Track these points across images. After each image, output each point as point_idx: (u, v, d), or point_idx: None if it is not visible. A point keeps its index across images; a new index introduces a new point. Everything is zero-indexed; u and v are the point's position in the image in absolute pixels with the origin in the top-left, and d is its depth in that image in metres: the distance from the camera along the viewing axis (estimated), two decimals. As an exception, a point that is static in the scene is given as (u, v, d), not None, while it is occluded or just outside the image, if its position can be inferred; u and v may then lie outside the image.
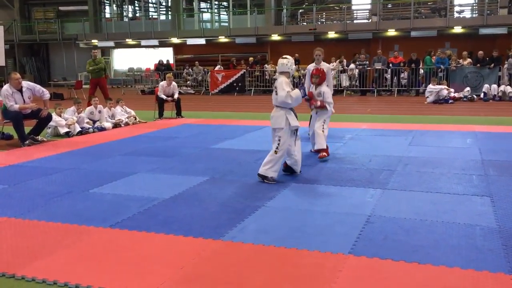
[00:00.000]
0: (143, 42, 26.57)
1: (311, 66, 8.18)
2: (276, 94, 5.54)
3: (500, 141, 7.78)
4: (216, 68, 21.22)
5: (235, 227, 3.99)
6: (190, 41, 25.10)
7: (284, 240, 3.68)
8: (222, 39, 24.26)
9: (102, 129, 10.01)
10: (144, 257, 3.40)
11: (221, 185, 5.42)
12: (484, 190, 4.97)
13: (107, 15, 29.82)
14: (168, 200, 4.81)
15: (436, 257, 3.34)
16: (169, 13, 28.60)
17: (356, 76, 18.77)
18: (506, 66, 16.34)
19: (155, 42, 26.13)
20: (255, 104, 16.14)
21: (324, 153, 6.71)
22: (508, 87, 15.65)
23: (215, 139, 8.55)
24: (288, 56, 5.69)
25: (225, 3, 28.69)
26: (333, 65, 19.35)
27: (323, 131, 6.84)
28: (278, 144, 5.48)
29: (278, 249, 3.52)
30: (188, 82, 22.22)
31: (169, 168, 6.31)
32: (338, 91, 18.97)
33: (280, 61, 5.63)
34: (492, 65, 16.30)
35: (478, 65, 16.52)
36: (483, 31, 19.70)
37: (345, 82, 18.84)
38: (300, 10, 25.40)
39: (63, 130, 9.33)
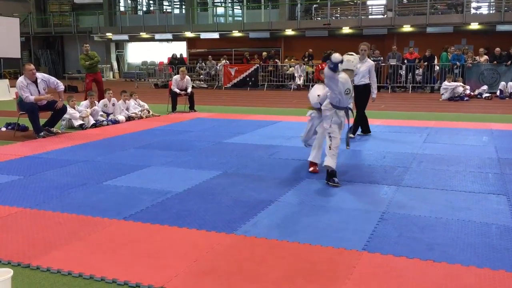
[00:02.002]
0: (157, 36, 26.64)
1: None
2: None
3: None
4: (223, 63, 21.19)
5: (248, 221, 3.98)
6: (204, 35, 25.11)
7: (298, 235, 3.66)
8: (236, 33, 24.22)
9: (116, 122, 10.07)
10: (157, 250, 3.42)
11: (234, 179, 5.41)
12: (500, 189, 4.90)
13: (122, 9, 29.94)
14: (182, 194, 4.82)
15: (452, 255, 3.30)
16: (183, 7, 28.63)
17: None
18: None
19: (169, 35, 26.19)
20: (268, 99, 16.11)
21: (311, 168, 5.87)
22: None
23: (228, 134, 8.55)
24: (353, 53, 5.40)
25: (239, -2, 28.68)
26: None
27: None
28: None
29: (292, 244, 3.51)
30: (201, 76, 22.24)
31: (183, 162, 6.33)
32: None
33: (346, 57, 5.22)
34: (509, 62, 16.07)
35: (495, 62, 16.30)
36: (500, 27, 19.41)
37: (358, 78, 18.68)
38: (315, 5, 25.24)
39: (77, 123, 9.39)
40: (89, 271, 3.07)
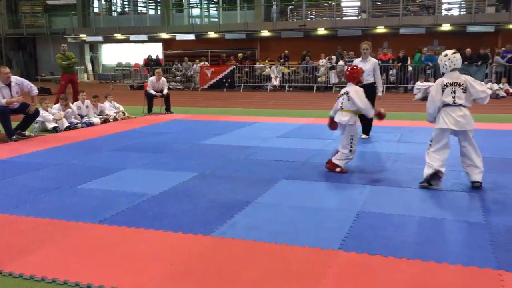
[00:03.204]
0: (132, 37, 26.36)
1: (357, 61, 8.12)
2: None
3: (488, 138, 7.84)
4: (200, 64, 21.15)
5: (225, 223, 3.98)
6: (180, 37, 24.97)
7: (275, 236, 3.68)
8: (212, 34, 24.16)
9: (90, 124, 9.93)
10: (133, 253, 3.39)
11: (211, 181, 5.40)
12: (472, 187, 5.00)
13: (96, 10, 29.52)
14: (158, 196, 4.78)
15: (425, 252, 3.36)
16: (158, 8, 28.40)
17: (345, 72, 18.81)
18: (493, 63, 16.49)
19: (144, 37, 25.95)
20: (244, 100, 16.11)
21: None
22: (495, 84, 15.80)
23: (205, 135, 8.52)
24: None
25: (214, -1, 28.60)
26: (322, 62, 19.41)
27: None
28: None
29: (269, 245, 3.53)
30: (177, 77, 22.12)
31: (159, 164, 6.29)
32: (327, 87, 19.03)
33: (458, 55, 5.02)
34: (480, 62, 16.45)
35: (466, 62, 16.63)
36: (471, 28, 19.84)
37: (334, 79, 18.88)
38: (290, 6, 25.37)
39: (50, 125, 9.23)
40: (63, 276, 3.02)
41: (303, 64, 19.72)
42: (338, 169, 5.69)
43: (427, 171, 4.94)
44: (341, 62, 18.95)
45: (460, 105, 4.83)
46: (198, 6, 28.42)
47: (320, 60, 19.63)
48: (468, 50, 16.86)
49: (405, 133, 8.56)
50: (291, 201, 4.61)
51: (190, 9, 27.56)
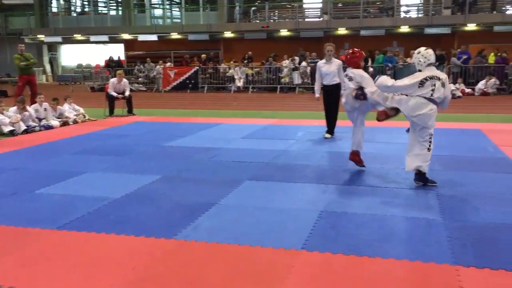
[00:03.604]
0: (92, 38, 25.82)
1: (321, 63, 8.26)
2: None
3: (446, 136, 8.08)
4: (165, 65, 20.95)
5: (189, 225, 3.95)
6: (142, 37, 24.63)
7: (238, 238, 3.68)
8: (175, 35, 23.94)
9: (49, 127, 9.66)
10: (93, 259, 3.31)
11: (175, 183, 5.35)
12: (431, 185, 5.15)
13: (54, 10, 28.74)
14: (120, 200, 4.70)
15: (386, 250, 3.43)
16: (120, 8, 27.92)
17: (308, 73, 19.01)
18: (450, 64, 17.03)
19: (105, 37, 25.44)
20: (208, 102, 16.05)
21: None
22: (452, 84, 16.29)
23: (168, 137, 8.43)
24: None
25: (177, -1, 28.36)
26: (285, 63, 19.54)
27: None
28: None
29: (232, 247, 3.52)
30: (140, 79, 21.81)
31: (121, 167, 6.18)
32: (290, 88, 19.18)
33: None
34: (437, 63, 16.93)
35: (424, 63, 17.10)
36: (428, 30, 20.41)
37: (297, 80, 19.04)
38: (253, 8, 25.44)
39: (7, 129, 8.93)
40: (20, 285, 2.93)
41: (267, 65, 19.81)
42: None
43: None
44: (303, 63, 19.13)
45: (434, 100, 4.88)
46: (160, 7, 28.11)
47: (283, 61, 19.76)
48: (426, 51, 17.31)
49: (367, 132, 8.67)
50: (255, 202, 4.62)
51: (152, 10, 27.23)
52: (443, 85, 4.89)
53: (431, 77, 4.86)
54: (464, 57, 17.26)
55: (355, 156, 5.90)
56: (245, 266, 3.22)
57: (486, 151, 6.91)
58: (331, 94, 8.13)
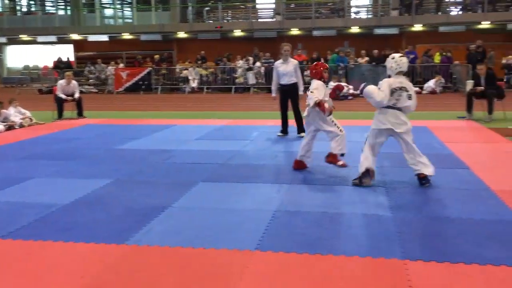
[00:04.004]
0: (40, 38, 24.94)
1: (278, 63, 8.26)
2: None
3: (394, 134, 8.33)
4: (117, 66, 20.54)
5: (141, 230, 3.88)
6: (92, 38, 24.01)
7: (191, 241, 3.64)
8: (126, 36, 23.49)
9: (-7, 132, 9.25)
10: (39, 268, 3.20)
11: (127, 187, 5.25)
12: (380, 181, 5.27)
13: (-2, 9, 27.58)
14: (69, 206, 4.56)
15: (337, 247, 3.50)
16: (68, 8, 27.09)
17: (262, 73, 19.11)
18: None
19: (53, 38, 24.63)
20: (162, 103, 15.84)
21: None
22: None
23: (121, 140, 8.25)
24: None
25: (128, -1, 27.82)
26: (239, 63, 19.57)
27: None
28: None
29: (185, 250, 3.49)
30: (91, 80, 21.26)
31: (70, 172, 5.99)
32: (245, 88, 19.22)
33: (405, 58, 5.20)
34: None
35: (374, 63, 17.58)
36: (377, 31, 20.98)
37: (251, 80, 19.11)
38: (206, 8, 25.32)
39: None
40: (-40, 299, 2.78)
41: (221, 65, 19.77)
42: (340, 163, 5.65)
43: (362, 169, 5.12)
44: (257, 64, 19.22)
45: (399, 109, 5.00)
46: (111, 7, 27.50)
47: (237, 62, 19.78)
48: (375, 51, 17.80)
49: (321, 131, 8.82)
50: (209, 204, 4.60)
51: (102, 9, 26.60)
52: (409, 97, 5.00)
53: (400, 88, 4.98)
54: (411, 56, 17.84)
55: (298, 165, 5.93)
56: (199, 268, 3.19)
57: (432, 147, 7.15)
58: (289, 93, 8.20)
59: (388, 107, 5.03)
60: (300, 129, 8.28)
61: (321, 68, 5.84)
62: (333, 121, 5.68)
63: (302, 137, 8.09)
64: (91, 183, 5.36)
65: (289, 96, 8.20)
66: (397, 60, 5.09)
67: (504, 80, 16.52)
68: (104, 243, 3.60)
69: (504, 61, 17.89)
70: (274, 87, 8.44)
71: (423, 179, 5.07)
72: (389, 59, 5.20)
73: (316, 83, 5.69)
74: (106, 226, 4.00)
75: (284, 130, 8.46)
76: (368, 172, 5.10)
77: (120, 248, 3.52)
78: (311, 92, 5.62)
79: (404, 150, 5.15)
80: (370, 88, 5.06)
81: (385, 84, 5.02)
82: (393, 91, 4.98)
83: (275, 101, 8.51)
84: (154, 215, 4.24)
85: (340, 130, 5.66)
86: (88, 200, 4.74)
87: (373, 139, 5.16)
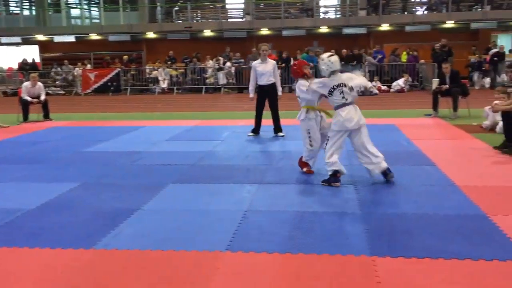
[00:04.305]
0: (3, 39, 24.22)
1: (257, 63, 8.22)
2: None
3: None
4: (85, 67, 20.16)
5: (109, 233, 3.82)
6: (58, 38, 23.48)
7: (162, 243, 3.61)
8: (94, 36, 23.07)
9: (-45, 136, 8.95)
10: (4, 276, 3.11)
11: (95, 190, 5.16)
12: (349, 179, 5.33)
13: (-42, 9, 26.68)
14: (35, 210, 4.45)
15: (307, 246, 3.52)
16: (33, 8, 26.42)
17: (233, 73, 19.09)
18: (366, 63, 17.82)
19: (17, 39, 23.97)
20: (131, 104, 15.62)
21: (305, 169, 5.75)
22: (369, 82, 17.05)
23: (89, 142, 8.10)
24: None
25: (95, -1, 27.35)
26: (209, 63, 19.49)
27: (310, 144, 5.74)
28: None
29: (155, 253, 3.45)
30: (58, 82, 20.80)
31: (36, 175, 5.85)
32: (215, 89, 19.16)
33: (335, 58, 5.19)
34: (355, 62, 17.68)
35: (343, 62, 17.76)
36: (346, 30, 21.23)
37: (222, 80, 19.06)
38: (175, 8, 25.12)
39: None
40: None
41: (191, 66, 19.65)
42: (304, 169, 5.65)
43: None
44: (228, 64, 19.18)
45: (351, 103, 5.08)
46: (78, 6, 26.97)
47: (207, 62, 19.69)
48: (344, 50, 18.02)
49: (290, 131, 8.87)
50: (178, 206, 4.56)
51: (68, 10, 26.06)
52: (351, 89, 5.09)
53: (339, 85, 5.05)
54: (379, 56, 18.16)
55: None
56: (168, 271, 3.16)
57: (400, 145, 7.30)
58: (268, 93, 8.19)
59: (344, 104, 5.08)
60: (278, 129, 8.34)
61: (300, 65, 5.76)
62: (309, 133, 5.60)
63: (282, 136, 8.17)
64: (58, 187, 5.25)
65: (268, 96, 8.19)
66: (326, 62, 5.14)
67: (475, 78, 17.02)
68: (71, 248, 3.53)
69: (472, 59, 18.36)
70: (252, 87, 8.35)
71: (388, 172, 5.13)
72: (319, 61, 5.26)
73: (303, 83, 5.59)
74: (74, 230, 3.92)
75: (256, 130, 8.45)
76: (337, 174, 5.11)
77: (88, 252, 3.46)
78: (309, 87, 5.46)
79: (361, 143, 5.15)
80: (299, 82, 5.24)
81: (318, 83, 5.14)
82: (333, 89, 5.03)
83: (252, 102, 8.41)
84: (123, 218, 4.18)
85: (311, 144, 5.62)
86: (55, 204, 4.63)
87: (339, 139, 5.17)
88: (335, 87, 5.08)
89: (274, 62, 8.34)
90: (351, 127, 5.09)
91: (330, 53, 5.30)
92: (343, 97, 5.09)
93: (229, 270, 3.18)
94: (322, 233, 3.79)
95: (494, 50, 17.52)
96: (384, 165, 5.13)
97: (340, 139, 5.18)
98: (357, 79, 5.28)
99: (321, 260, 3.28)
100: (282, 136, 8.25)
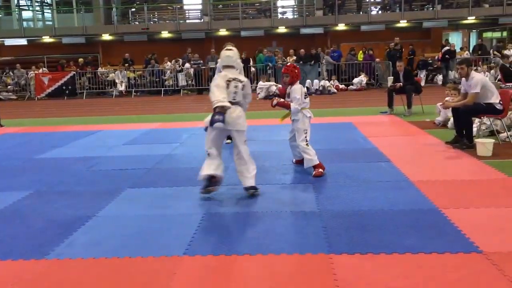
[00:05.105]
0: (-50, 43, 23.20)
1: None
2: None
3: (321, 131, 8.54)
4: (39, 71, 19.55)
5: (63, 242, 3.70)
6: (9, 42, 22.67)
7: (117, 250, 3.53)
8: (47, 39, 22.40)
9: None
10: (-51, 292, 2.96)
11: (48, 198, 5.00)
12: (307, 178, 5.39)
13: None
14: (-17, 222, 4.27)
15: (266, 246, 3.52)
16: (-18, 10, 25.42)
17: (192, 75, 18.96)
18: (324, 62, 18.08)
19: (-36, 42, 23.02)
20: (87, 108, 15.25)
21: (320, 170, 5.53)
22: (327, 81, 17.32)
23: (42, 148, 7.84)
24: (233, 48, 4.95)
25: (48, 0, 26.53)
26: (168, 65, 19.27)
27: (307, 144, 5.58)
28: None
29: (110, 260, 3.37)
30: (9, 86, 20.08)
31: (-15, 185, 5.61)
32: (175, 90, 18.97)
33: (225, 53, 4.86)
34: (313, 62, 17.89)
35: (301, 62, 17.96)
36: (304, 30, 21.46)
37: (181, 82, 18.89)
38: (132, 9, 24.71)
39: None
40: None
41: (149, 68, 19.37)
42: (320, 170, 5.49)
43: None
44: (187, 65, 19.03)
45: (237, 103, 4.76)
46: (29, 9, 26.12)
47: (166, 63, 19.47)
48: (302, 50, 18.20)
49: (249, 131, 8.85)
50: (135, 211, 4.48)
51: (20, 12, 25.19)
52: (243, 88, 4.76)
53: (233, 79, 4.68)
54: (335, 54, 18.46)
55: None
56: (125, 279, 3.10)
57: (357, 142, 7.43)
58: None
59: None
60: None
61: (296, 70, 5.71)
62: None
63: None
64: (8, 195, 5.06)
65: None
66: (221, 55, 4.91)
67: (422, 76, 17.53)
68: (22, 259, 3.40)
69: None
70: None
71: (253, 189, 4.79)
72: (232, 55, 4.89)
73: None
74: (25, 241, 3.78)
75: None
76: (210, 179, 4.77)
77: (40, 263, 3.34)
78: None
79: (235, 153, 4.85)
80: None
81: (218, 78, 4.70)
82: (227, 82, 4.64)
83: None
84: (77, 226, 4.06)
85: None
86: (4, 214, 4.46)
87: (214, 140, 4.81)
88: (231, 79, 4.68)
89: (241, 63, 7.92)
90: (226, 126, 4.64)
91: (227, 47, 4.94)
92: (235, 94, 4.70)
93: (187, 274, 3.15)
94: (280, 232, 3.81)
95: (446, 48, 18.11)
96: (252, 181, 4.79)
97: (217, 139, 4.85)
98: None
99: (279, 260, 3.29)
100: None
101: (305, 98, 5.63)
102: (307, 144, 5.57)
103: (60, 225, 4.12)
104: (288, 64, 6.21)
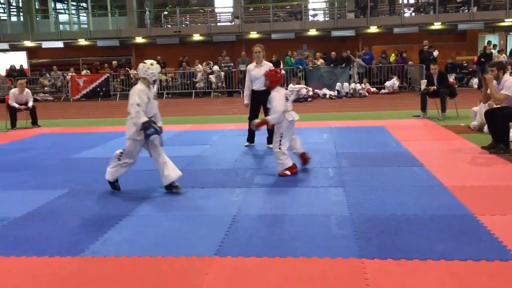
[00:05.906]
0: (-9, 46, 24.05)
1: (251, 66, 7.53)
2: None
3: (352, 134, 8.48)
4: (82, 73, 20.05)
5: (97, 240, 3.78)
6: (46, 44, 23.34)
7: (150, 249, 3.58)
8: (82, 42, 22.97)
9: None
10: (-10, 286, 3.07)
11: (82, 197, 5.12)
12: (338, 181, 5.36)
13: None
14: (21, 219, 4.40)
15: (296, 249, 3.51)
16: (21, 14, 26.26)
17: (222, 77, 19.08)
18: (355, 65, 17.91)
19: (5, 45, 23.80)
20: (121, 109, 15.52)
21: (287, 172, 5.67)
22: (358, 84, 17.16)
23: (77, 149, 8.04)
24: (147, 61, 5.21)
25: (84, 4, 27.19)
26: (199, 68, 19.47)
27: (280, 148, 5.66)
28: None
29: (144, 259, 3.42)
30: (46, 88, 20.67)
31: (22, 183, 5.79)
32: (205, 93, 19.13)
33: (140, 65, 5.20)
34: (344, 64, 17.75)
35: (332, 65, 17.86)
36: (335, 33, 21.33)
37: (213, 84, 19.03)
38: (164, 12, 25.08)
39: None
40: None
41: (181, 70, 19.61)
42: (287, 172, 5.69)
43: None
44: (216, 67, 19.17)
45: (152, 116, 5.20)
46: (66, 12, 26.84)
47: (197, 66, 19.67)
48: (333, 53, 18.09)
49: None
50: (167, 211, 4.54)
51: (56, 15, 25.92)
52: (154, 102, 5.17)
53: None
54: (367, 57, 18.25)
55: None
56: (157, 277, 3.14)
57: (389, 146, 7.33)
58: (262, 100, 6.82)
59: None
60: (268, 138, 7.37)
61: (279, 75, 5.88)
62: None
63: (247, 146, 7.64)
64: (45, 194, 5.20)
65: (263, 102, 6.86)
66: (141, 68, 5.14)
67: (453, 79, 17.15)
68: (58, 256, 3.49)
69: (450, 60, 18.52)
70: (247, 92, 7.53)
71: (172, 187, 5.13)
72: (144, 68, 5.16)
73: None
74: (60, 238, 3.88)
75: (251, 138, 7.75)
76: (115, 184, 5.25)
77: (75, 260, 3.42)
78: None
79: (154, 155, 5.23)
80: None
81: (135, 92, 5.06)
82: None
83: (247, 108, 7.63)
84: (111, 224, 4.15)
85: None
86: (41, 212, 4.59)
87: (132, 150, 5.32)
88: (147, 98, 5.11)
89: (271, 65, 7.40)
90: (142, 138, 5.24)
91: (151, 62, 5.20)
92: (150, 109, 5.23)
93: (217, 275, 3.16)
94: (311, 236, 3.79)
95: (492, 51, 17.66)
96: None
97: (135, 149, 5.40)
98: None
99: (310, 263, 3.28)
100: (247, 146, 7.71)
101: (286, 101, 5.71)
102: (280, 148, 5.63)
103: (94, 223, 4.22)
104: (272, 68, 6.29)
